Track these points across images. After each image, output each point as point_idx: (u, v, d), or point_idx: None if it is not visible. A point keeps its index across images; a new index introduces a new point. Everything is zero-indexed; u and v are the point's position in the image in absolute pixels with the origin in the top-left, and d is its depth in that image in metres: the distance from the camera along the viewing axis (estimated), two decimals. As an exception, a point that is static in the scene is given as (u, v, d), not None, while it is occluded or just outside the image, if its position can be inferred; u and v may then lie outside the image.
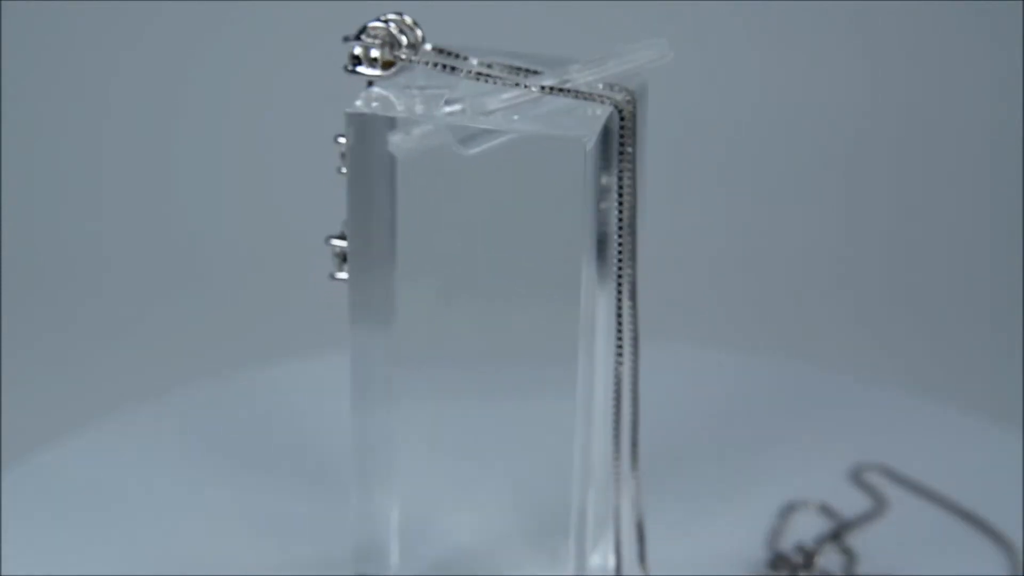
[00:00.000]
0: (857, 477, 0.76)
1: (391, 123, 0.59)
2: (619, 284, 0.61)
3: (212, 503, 0.76)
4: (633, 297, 0.62)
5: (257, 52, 1.33)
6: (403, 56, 0.59)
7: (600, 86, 0.60)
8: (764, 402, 0.86)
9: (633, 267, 0.62)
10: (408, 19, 0.60)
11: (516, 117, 0.58)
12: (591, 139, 0.57)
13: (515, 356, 0.61)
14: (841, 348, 1.21)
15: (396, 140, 0.59)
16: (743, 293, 1.28)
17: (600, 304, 0.62)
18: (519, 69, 0.60)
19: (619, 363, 0.62)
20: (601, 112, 0.59)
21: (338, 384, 0.87)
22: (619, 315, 0.61)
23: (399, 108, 0.59)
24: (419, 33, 0.60)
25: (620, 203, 0.60)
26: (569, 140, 0.57)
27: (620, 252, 0.60)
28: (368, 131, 0.59)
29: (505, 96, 0.59)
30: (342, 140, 0.59)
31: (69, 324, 1.23)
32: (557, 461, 0.62)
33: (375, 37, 0.59)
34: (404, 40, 0.59)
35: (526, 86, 0.59)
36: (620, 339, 0.62)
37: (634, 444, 0.64)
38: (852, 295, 1.29)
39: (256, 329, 1.23)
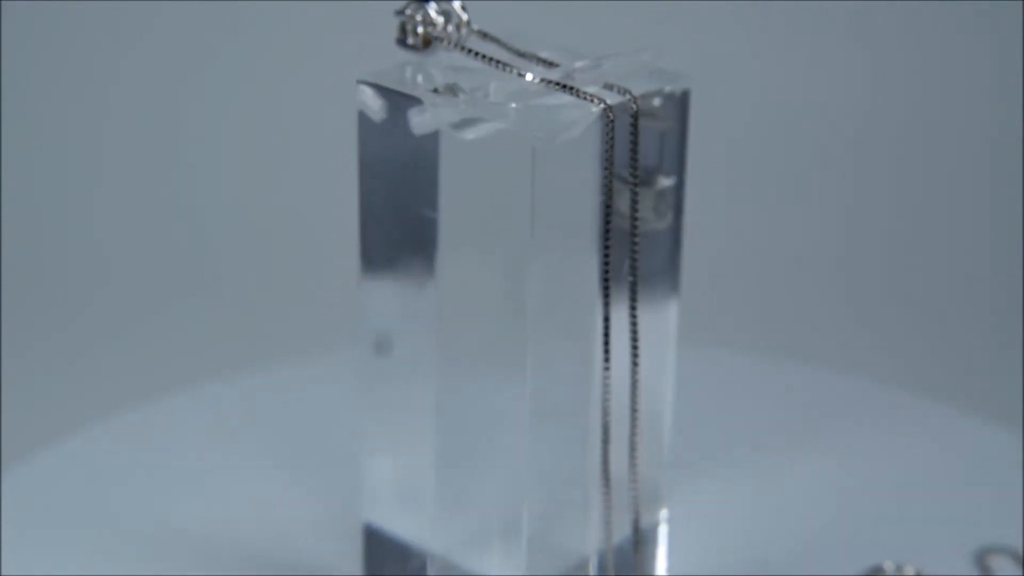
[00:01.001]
0: (980, 560, 0.74)
1: (410, 99, 0.60)
2: (606, 288, 0.61)
3: (212, 502, 0.76)
4: (634, 304, 0.62)
5: (263, 51, 1.33)
6: (440, 36, 0.61)
7: (599, 86, 0.60)
8: (764, 402, 0.86)
9: (634, 273, 0.61)
10: (457, 3, 0.61)
11: (513, 106, 0.59)
12: (552, 137, 0.58)
13: (479, 350, 0.62)
14: (841, 348, 1.21)
15: (414, 116, 0.60)
16: (743, 293, 1.28)
17: (581, 306, 0.62)
18: (545, 61, 0.61)
19: (606, 368, 0.62)
20: (587, 112, 0.59)
21: (341, 381, 0.87)
22: (605, 320, 0.61)
23: (409, 84, 0.61)
24: (464, 16, 0.61)
25: (608, 204, 0.60)
26: (520, 134, 0.57)
27: (607, 256, 0.60)
28: (391, 100, 0.61)
29: (514, 86, 0.60)
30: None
31: (69, 324, 1.23)
32: (507, 461, 0.63)
33: (416, 14, 0.61)
34: (441, 20, 0.61)
35: (541, 79, 0.59)
36: (607, 346, 0.61)
37: (632, 452, 0.64)
38: (852, 295, 1.29)
39: (252, 329, 1.23)
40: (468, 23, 0.61)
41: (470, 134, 0.59)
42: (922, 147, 1.35)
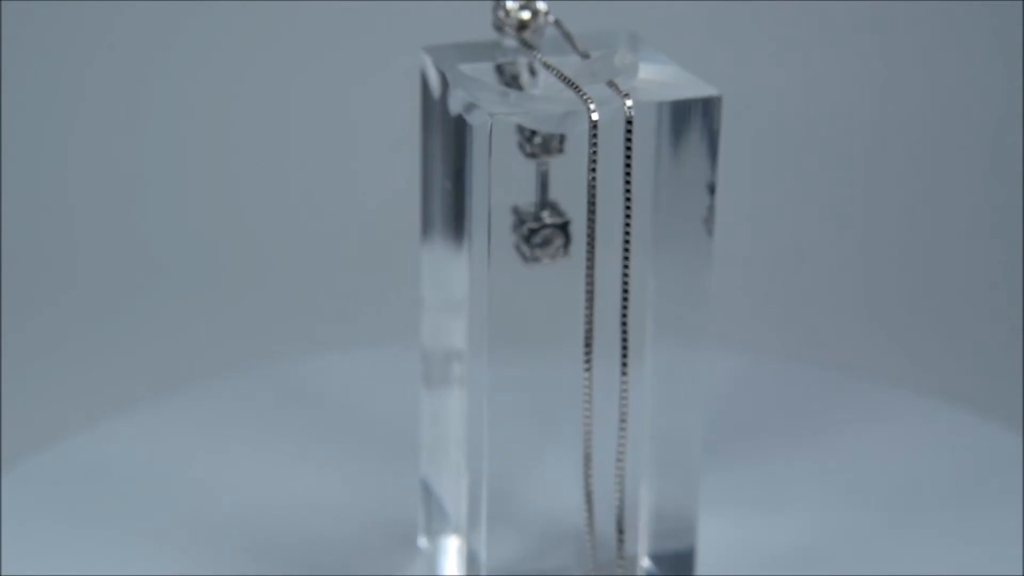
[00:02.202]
0: None
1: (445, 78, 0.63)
2: (589, 286, 0.61)
3: (215, 500, 0.76)
4: (625, 310, 0.61)
5: (268, 48, 1.33)
6: (507, 23, 0.64)
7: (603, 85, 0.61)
8: (764, 402, 0.86)
9: (626, 278, 0.61)
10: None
11: (490, 95, 0.61)
12: (524, 128, 0.59)
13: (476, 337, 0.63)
14: (841, 348, 1.22)
15: (451, 99, 0.63)
16: (743, 293, 1.28)
17: (565, 309, 0.62)
18: (584, 55, 0.63)
19: (586, 368, 0.62)
20: (579, 112, 0.60)
21: (338, 380, 0.87)
22: (588, 320, 0.61)
23: (449, 67, 0.63)
24: (543, 7, 0.64)
25: (592, 203, 0.60)
26: (487, 121, 0.59)
27: (592, 258, 0.60)
28: (442, 74, 0.64)
29: (552, 79, 0.62)
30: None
31: (69, 324, 1.23)
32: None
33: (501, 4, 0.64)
34: (514, 7, 0.64)
35: (557, 75, 0.61)
36: (589, 346, 0.61)
37: (620, 458, 0.64)
38: (852, 295, 1.29)
39: (251, 328, 1.23)
40: (546, 14, 0.64)
41: (472, 119, 0.60)
42: (920, 146, 1.35)
